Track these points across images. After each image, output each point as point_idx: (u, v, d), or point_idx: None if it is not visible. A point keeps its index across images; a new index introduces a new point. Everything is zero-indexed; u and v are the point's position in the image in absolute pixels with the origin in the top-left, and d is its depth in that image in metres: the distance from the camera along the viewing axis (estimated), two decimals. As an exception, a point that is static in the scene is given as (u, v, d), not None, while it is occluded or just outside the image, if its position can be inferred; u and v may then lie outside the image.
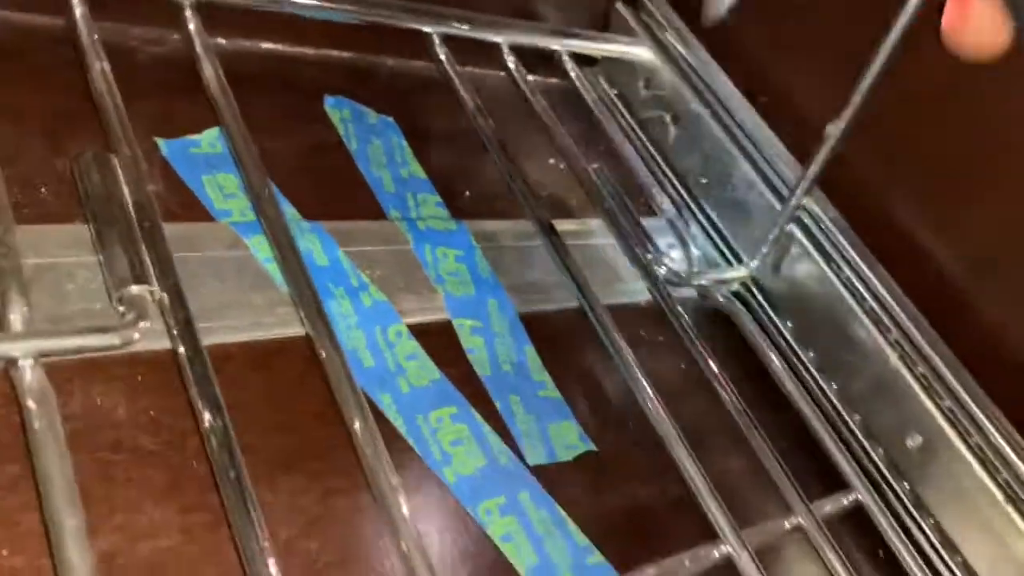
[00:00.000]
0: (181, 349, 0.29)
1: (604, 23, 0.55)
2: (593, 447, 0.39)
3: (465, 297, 0.40)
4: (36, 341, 0.26)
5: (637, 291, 0.47)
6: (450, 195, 0.45)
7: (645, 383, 0.38)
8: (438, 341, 0.39)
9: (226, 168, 0.38)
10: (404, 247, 0.41)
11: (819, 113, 0.44)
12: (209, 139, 0.39)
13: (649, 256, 0.44)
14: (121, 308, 0.29)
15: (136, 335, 0.28)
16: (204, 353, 0.29)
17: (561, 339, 0.42)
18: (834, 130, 0.42)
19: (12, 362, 0.26)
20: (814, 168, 0.45)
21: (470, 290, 0.41)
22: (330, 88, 0.46)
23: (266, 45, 0.45)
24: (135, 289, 0.29)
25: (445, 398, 0.37)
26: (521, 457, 0.37)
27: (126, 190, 0.31)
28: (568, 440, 0.39)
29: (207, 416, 0.28)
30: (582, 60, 0.53)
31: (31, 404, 0.26)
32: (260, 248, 0.36)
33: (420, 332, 0.38)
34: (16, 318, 0.27)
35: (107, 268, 0.29)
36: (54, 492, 0.24)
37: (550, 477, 0.37)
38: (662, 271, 0.44)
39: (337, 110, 0.45)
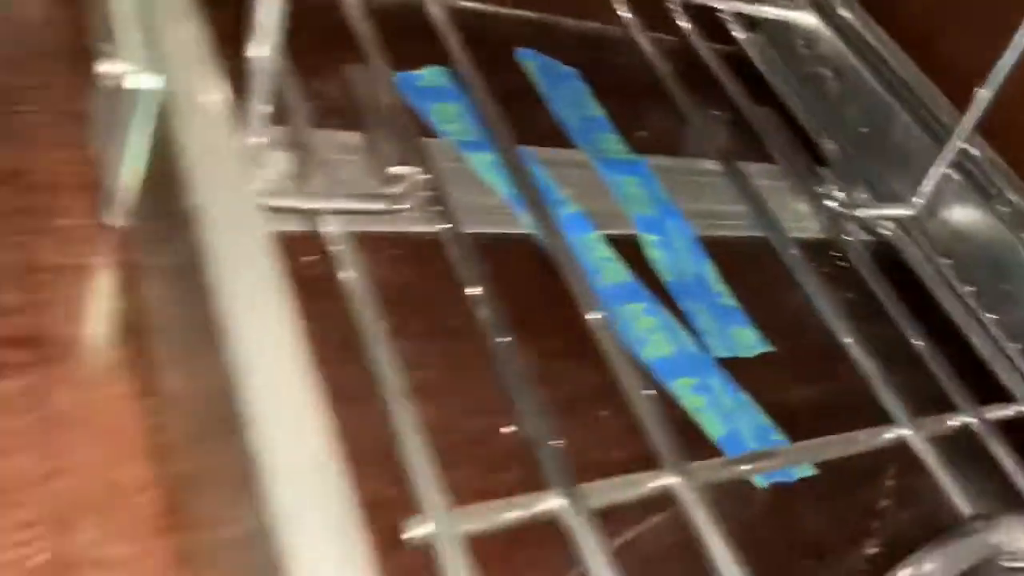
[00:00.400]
0: (443, 225, 0.35)
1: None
2: (772, 348, 0.44)
3: (648, 216, 0.46)
4: (335, 201, 0.33)
5: (801, 229, 0.51)
6: (628, 135, 0.51)
7: (820, 292, 0.43)
8: (625, 251, 0.44)
9: (447, 98, 0.45)
10: (592, 172, 0.47)
11: (975, 61, 0.48)
12: (432, 74, 0.46)
13: (819, 190, 0.49)
14: (391, 186, 0.35)
15: (406, 204, 0.35)
16: (462, 227, 0.35)
17: (734, 259, 0.47)
18: (988, 86, 0.47)
19: (317, 215, 0.33)
20: (971, 115, 0.49)
21: (651, 211, 0.46)
22: (518, 43, 0.52)
23: (462, 3, 0.52)
24: (402, 169, 0.35)
25: (636, 296, 0.42)
26: (706, 351, 0.42)
27: (383, 97, 0.38)
28: (748, 341, 0.43)
29: (470, 285, 0.34)
30: (746, 26, 0.58)
31: (334, 250, 0.33)
32: (479, 162, 0.43)
33: (610, 242, 0.44)
34: (316, 187, 0.34)
35: (377, 154, 0.36)
36: (363, 311, 0.31)
37: (733, 369, 0.42)
38: (833, 205, 0.49)
39: (528, 60, 0.51)
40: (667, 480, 0.32)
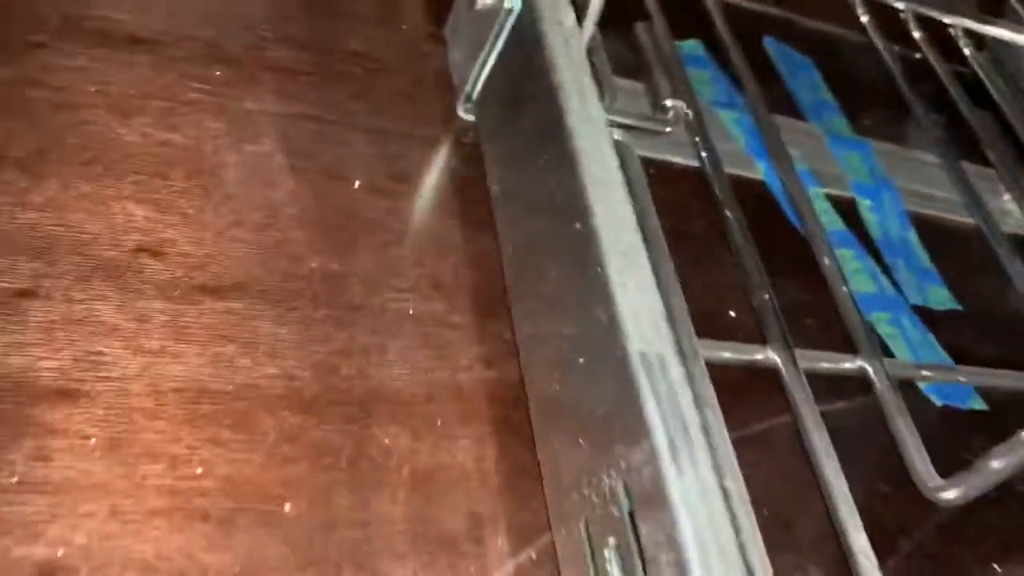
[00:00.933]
0: (703, 155, 0.45)
1: (995, 13, 0.67)
2: (959, 307, 0.51)
3: (865, 184, 0.54)
4: (623, 117, 0.44)
5: (1004, 223, 0.58)
6: (855, 120, 0.59)
7: (1019, 274, 0.50)
8: (842, 208, 0.53)
9: (702, 66, 0.55)
10: (820, 142, 0.56)
11: None
12: (691, 46, 0.56)
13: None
14: (661, 114, 0.46)
15: (669, 128, 0.45)
16: (719, 157, 0.45)
17: (937, 235, 0.55)
18: None
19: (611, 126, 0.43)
20: None
21: (869, 181, 0.55)
22: (763, 33, 0.62)
23: (725, -2, 0.62)
24: (672, 101, 0.46)
25: (847, 243, 0.51)
26: (902, 296, 0.50)
27: (663, 47, 0.49)
28: (940, 297, 0.51)
29: (727, 209, 0.44)
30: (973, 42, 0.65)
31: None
32: (726, 118, 0.52)
33: (829, 199, 0.53)
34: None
35: (653, 91, 0.46)
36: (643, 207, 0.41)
37: (923, 318, 0.49)
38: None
39: (772, 46, 0.61)
40: (863, 363, 0.40)
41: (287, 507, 0.29)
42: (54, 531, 0.27)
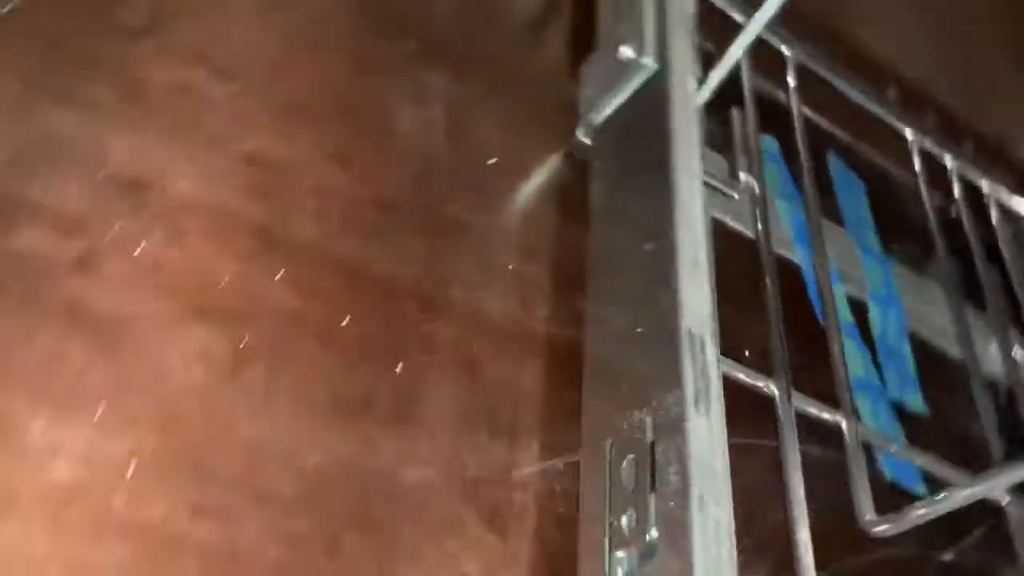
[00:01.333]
0: (759, 227, 0.56)
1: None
2: (927, 412, 0.61)
3: (879, 294, 0.65)
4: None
5: (986, 363, 0.69)
6: (885, 241, 0.70)
7: (984, 404, 0.60)
8: (855, 307, 0.64)
9: (771, 160, 0.66)
10: (852, 249, 0.67)
11: None
12: (765, 142, 0.67)
13: (1012, 339, 0.67)
14: (735, 181, 0.57)
15: (737, 195, 0.56)
16: (771, 230, 0.56)
17: (926, 355, 0.66)
18: None
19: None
20: None
21: (883, 292, 0.66)
22: (828, 145, 0.74)
23: (807, 112, 0.74)
24: (744, 175, 0.57)
25: (851, 334, 0.62)
26: (884, 389, 0.60)
27: (749, 134, 0.60)
28: (915, 402, 0.62)
29: (767, 275, 0.54)
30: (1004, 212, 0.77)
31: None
32: (781, 206, 0.64)
33: (847, 297, 0.64)
34: (692, 164, 0.55)
35: (731, 163, 0.58)
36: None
37: (896, 412, 0.60)
38: (1018, 357, 0.66)
39: (834, 162, 0.72)
40: (837, 417, 0.51)
41: (399, 366, 0.40)
42: (243, 328, 0.37)
